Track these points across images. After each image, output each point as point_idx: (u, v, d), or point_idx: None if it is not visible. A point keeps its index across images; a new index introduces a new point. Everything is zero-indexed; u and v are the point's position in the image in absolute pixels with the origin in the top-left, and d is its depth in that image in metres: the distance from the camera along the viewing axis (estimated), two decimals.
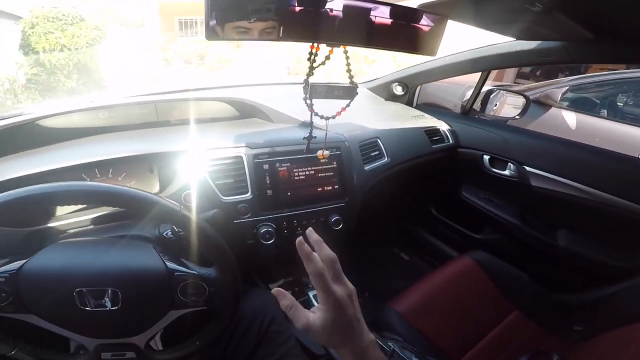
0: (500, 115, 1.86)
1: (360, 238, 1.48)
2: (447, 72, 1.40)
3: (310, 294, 0.98)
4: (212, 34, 0.50)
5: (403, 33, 0.64)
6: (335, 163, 0.95)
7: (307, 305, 0.94)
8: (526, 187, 1.32)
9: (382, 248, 1.72)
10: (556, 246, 1.28)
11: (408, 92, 1.54)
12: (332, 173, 0.95)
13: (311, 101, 0.71)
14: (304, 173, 0.91)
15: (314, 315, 0.43)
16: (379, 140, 1.10)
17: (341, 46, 0.62)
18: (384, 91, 1.58)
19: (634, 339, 0.78)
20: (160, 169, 0.85)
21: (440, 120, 1.44)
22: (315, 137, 0.85)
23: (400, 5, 0.60)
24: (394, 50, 0.65)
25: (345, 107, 0.72)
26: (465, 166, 1.45)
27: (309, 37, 0.58)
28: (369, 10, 0.58)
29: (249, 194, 0.85)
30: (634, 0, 0.68)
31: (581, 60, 1.06)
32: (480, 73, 1.42)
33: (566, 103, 2.62)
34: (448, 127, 1.43)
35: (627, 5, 0.71)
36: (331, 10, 0.57)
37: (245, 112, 1.10)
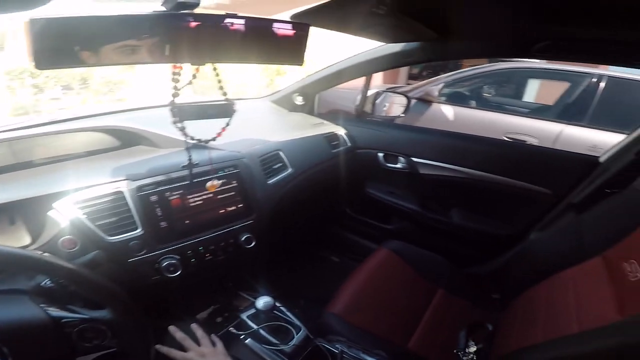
0: (391, 114, 2.07)
1: (285, 249, 1.48)
2: (336, 79, 1.49)
3: (243, 316, 0.94)
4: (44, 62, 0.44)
5: (268, 45, 0.65)
6: (235, 182, 0.93)
7: (241, 327, 0.91)
8: (417, 175, 1.48)
9: (312, 254, 1.74)
10: (454, 224, 1.45)
11: (308, 101, 1.59)
12: (233, 192, 0.92)
13: (182, 124, 0.67)
14: (200, 198, 0.87)
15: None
16: (280, 153, 1.11)
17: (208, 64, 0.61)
18: (287, 103, 1.61)
19: (541, 295, 0.89)
20: (25, 218, 0.74)
21: (337, 126, 1.53)
22: (198, 163, 0.81)
23: (262, 18, 0.61)
24: (262, 63, 0.66)
25: (225, 126, 0.70)
26: (365, 165, 1.56)
27: (169, 58, 0.56)
28: (229, 25, 0.57)
29: (139, 229, 0.77)
30: (461, 2, 0.80)
31: (436, 58, 1.23)
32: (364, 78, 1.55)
33: (443, 98, 3.02)
34: (345, 131, 1.52)
35: (455, 6, 0.84)
36: (191, 28, 0.55)
37: (127, 140, 1.00)
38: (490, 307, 1.13)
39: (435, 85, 2.97)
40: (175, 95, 0.62)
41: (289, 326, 0.93)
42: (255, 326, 0.91)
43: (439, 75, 3.27)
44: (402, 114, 1.76)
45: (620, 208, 0.85)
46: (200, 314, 0.98)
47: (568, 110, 2.59)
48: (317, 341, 0.92)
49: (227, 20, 0.57)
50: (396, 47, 1.26)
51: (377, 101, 1.95)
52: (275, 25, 0.63)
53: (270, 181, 1.02)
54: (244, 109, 1.45)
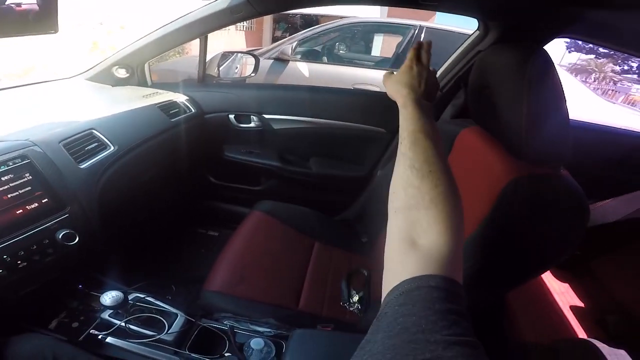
0: (242, 75, 2.00)
1: (143, 232, 1.33)
2: (165, 45, 1.31)
3: (104, 316, 0.84)
4: None
5: (13, 18, 0.51)
6: (28, 175, 0.75)
7: (104, 327, 0.81)
8: (272, 132, 1.49)
9: (187, 234, 1.62)
10: (315, 174, 1.50)
11: (134, 72, 1.38)
12: (29, 187, 0.74)
13: None
14: None
15: (394, 73, 0.60)
16: (94, 131, 0.94)
17: None
18: (108, 78, 1.36)
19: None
20: None
21: (177, 93, 1.39)
22: None
23: None
24: (10, 37, 0.52)
25: None
26: (217, 129, 1.48)
27: None
28: None
29: None
30: None
31: (264, 11, 1.18)
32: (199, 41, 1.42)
33: (298, 56, 3.08)
34: (186, 97, 1.39)
35: None
36: None
37: None
38: (362, 251, 1.17)
39: (290, 44, 2.99)
40: None
41: (160, 315, 0.87)
42: (118, 322, 0.82)
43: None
44: (252, 73, 1.71)
45: None
46: (52, 323, 0.83)
47: (399, 60, 2.94)
48: (201, 322, 0.88)
49: None
50: (222, 3, 1.16)
51: (225, 64, 1.84)
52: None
53: (84, 165, 0.86)
54: (43, 93, 1.19)
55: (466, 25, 2.77)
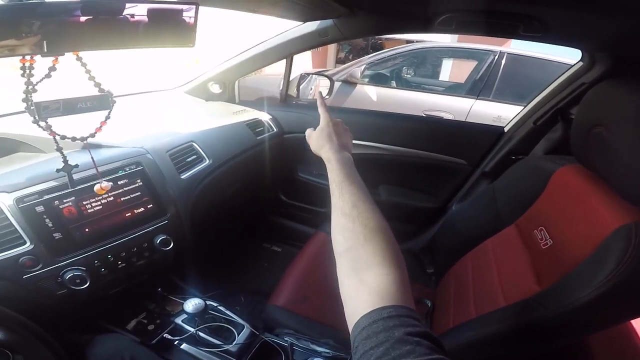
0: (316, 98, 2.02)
1: (218, 244, 1.37)
2: (255, 64, 1.39)
3: (178, 321, 0.86)
4: None
5: (156, 28, 0.56)
6: (139, 180, 0.80)
7: (177, 332, 0.83)
8: None
9: (252, 247, 1.65)
10: (382, 201, 1.45)
11: (226, 89, 1.47)
12: (139, 193, 0.80)
13: (46, 122, 0.55)
14: (98, 203, 0.73)
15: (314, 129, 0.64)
16: (194, 144, 1.00)
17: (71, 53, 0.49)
18: (203, 92, 1.46)
19: (468, 267, 0.90)
20: None
21: (262, 112, 1.44)
22: (78, 165, 0.68)
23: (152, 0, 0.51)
24: (148, 47, 0.56)
25: (105, 120, 0.58)
26: (294, 149, 1.50)
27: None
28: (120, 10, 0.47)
29: (27, 244, 0.65)
30: None
31: (350, 35, 1.20)
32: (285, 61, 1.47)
33: (366, 79, 3.07)
34: (270, 116, 1.44)
35: None
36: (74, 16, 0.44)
37: (3, 149, 0.81)
38: (427, 282, 1.14)
39: (358, 67, 3.00)
40: (30, 92, 0.49)
41: (229, 325, 0.87)
42: (191, 329, 0.83)
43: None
44: (327, 95, 1.72)
45: (525, 174, 0.87)
46: (130, 324, 0.87)
47: (476, 87, 2.79)
48: (264, 336, 0.88)
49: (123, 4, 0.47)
50: (311, 26, 1.20)
51: (302, 85, 1.89)
52: (160, 7, 0.55)
53: (184, 175, 0.91)
54: (151, 103, 1.30)
55: (548, 51, 2.58)
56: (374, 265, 0.40)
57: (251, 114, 1.37)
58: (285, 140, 1.47)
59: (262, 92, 2.21)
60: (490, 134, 1.36)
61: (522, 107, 1.35)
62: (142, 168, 0.82)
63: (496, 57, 2.74)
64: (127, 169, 0.80)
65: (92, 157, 0.60)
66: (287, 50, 1.32)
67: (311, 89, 2.28)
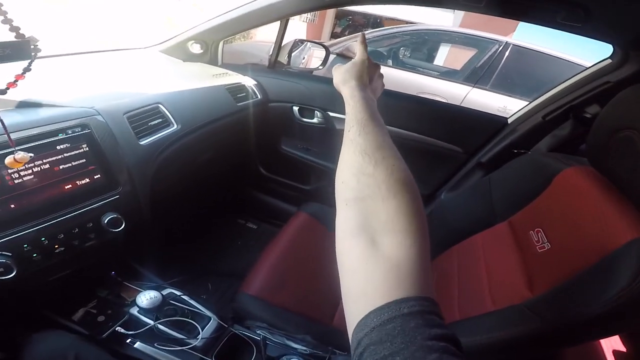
0: (309, 67, 1.85)
1: (186, 220, 1.24)
2: (243, 24, 1.19)
3: (133, 311, 0.75)
4: None
5: None
6: (85, 146, 0.65)
7: (132, 325, 0.71)
8: (333, 131, 1.34)
9: (226, 223, 1.52)
10: None
11: (209, 49, 1.28)
12: (83, 160, 0.65)
13: None
14: (29, 172, 0.58)
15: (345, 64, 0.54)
16: (161, 106, 0.84)
17: None
18: (181, 52, 1.27)
19: (454, 261, 0.84)
20: None
21: (245, 77, 1.28)
22: None
23: None
24: None
25: (23, 72, 0.42)
26: (278, 119, 1.36)
27: None
28: None
29: None
30: None
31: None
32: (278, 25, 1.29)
33: None
34: (255, 82, 1.27)
35: None
36: None
37: None
38: None
39: (354, 41, 2.81)
40: None
41: (193, 319, 0.76)
42: (149, 322, 0.72)
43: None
44: (321, 66, 1.56)
45: (526, 170, 0.80)
46: (76, 314, 0.74)
47: (475, 75, 2.65)
48: (233, 329, 0.78)
49: None
50: None
51: (294, 52, 1.70)
52: None
53: (145, 142, 0.75)
54: (117, 61, 1.11)
55: (558, 43, 2.46)
56: (396, 229, 0.30)
57: (234, 78, 1.20)
58: (269, 109, 1.32)
59: (250, 57, 2.00)
60: (492, 123, 1.25)
61: (529, 101, 1.25)
62: (89, 131, 0.66)
63: (501, 47, 2.61)
64: (70, 132, 0.64)
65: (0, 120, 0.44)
66: (282, 11, 1.13)
67: (304, 58, 2.09)
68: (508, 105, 2.43)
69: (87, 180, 0.65)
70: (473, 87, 2.58)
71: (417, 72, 2.99)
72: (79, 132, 0.65)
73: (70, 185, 0.63)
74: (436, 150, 1.28)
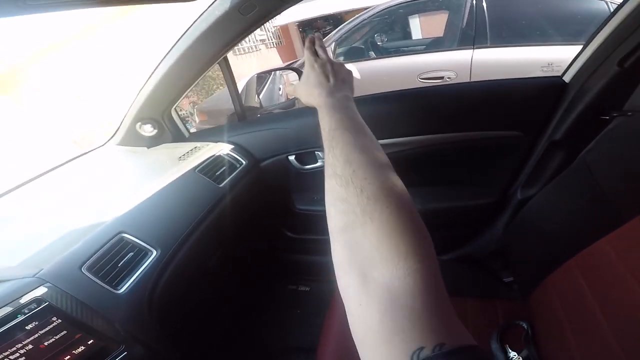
0: (290, 98, 1.69)
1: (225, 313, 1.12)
2: (176, 83, 1.02)
3: None
4: None
5: None
6: (56, 318, 0.54)
7: None
8: None
9: (278, 290, 1.41)
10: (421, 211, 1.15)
11: (164, 126, 1.13)
12: (64, 332, 0.54)
13: None
14: (16, 355, 0.50)
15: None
16: (125, 235, 0.69)
17: None
18: (138, 138, 1.14)
19: (580, 278, 0.65)
20: None
21: (220, 143, 1.14)
22: None
23: None
24: None
25: None
26: (278, 177, 1.21)
27: None
28: None
29: None
30: None
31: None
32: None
33: (341, 58, 2.76)
34: (231, 146, 1.13)
35: None
36: None
37: None
38: (510, 295, 0.89)
39: (328, 46, 2.67)
40: None
41: None
42: None
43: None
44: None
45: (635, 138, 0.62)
46: None
47: (467, 36, 2.42)
48: None
49: None
50: (225, 2, 0.82)
51: (265, 88, 1.56)
52: None
53: (123, 290, 0.62)
54: (66, 179, 0.95)
55: None
56: (382, 258, 0.27)
57: (205, 152, 1.07)
58: (263, 170, 1.18)
59: (226, 111, 1.88)
60: (546, 89, 1.00)
61: (581, 46, 0.96)
62: (47, 304, 0.54)
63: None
64: (27, 311, 0.53)
65: None
66: (211, 48, 0.92)
67: (279, 88, 1.95)
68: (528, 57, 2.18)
69: (83, 348, 0.56)
70: (473, 48, 2.35)
71: (404, 53, 2.86)
72: (35, 309, 0.54)
73: (68, 357, 0.55)
74: (488, 143, 1.06)
